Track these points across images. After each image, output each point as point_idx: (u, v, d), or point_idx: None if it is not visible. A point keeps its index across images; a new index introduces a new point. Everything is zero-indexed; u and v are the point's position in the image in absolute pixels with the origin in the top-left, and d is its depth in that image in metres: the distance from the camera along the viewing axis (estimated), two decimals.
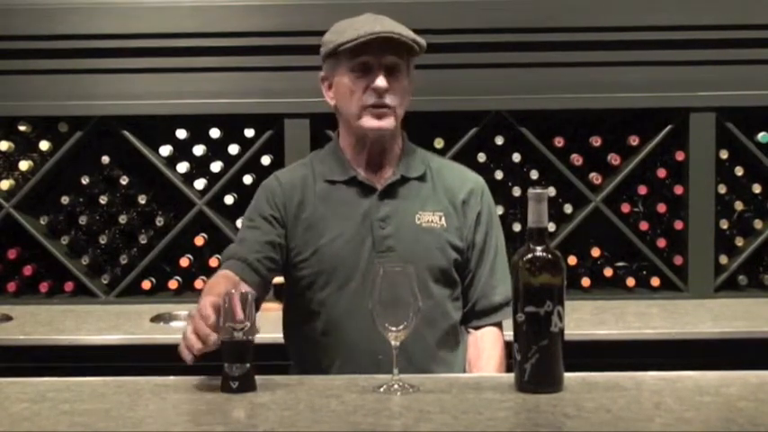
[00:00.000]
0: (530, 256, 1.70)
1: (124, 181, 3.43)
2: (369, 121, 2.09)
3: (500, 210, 3.24)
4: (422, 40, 2.11)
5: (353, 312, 2.08)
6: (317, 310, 2.11)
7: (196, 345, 1.74)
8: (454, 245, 2.14)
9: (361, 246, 2.11)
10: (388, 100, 2.08)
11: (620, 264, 3.48)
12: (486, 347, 2.15)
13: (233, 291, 1.77)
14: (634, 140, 3.36)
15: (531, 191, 1.72)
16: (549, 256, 1.70)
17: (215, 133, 3.37)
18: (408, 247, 2.10)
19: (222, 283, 1.99)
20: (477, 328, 2.19)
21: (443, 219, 2.14)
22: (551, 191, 3.34)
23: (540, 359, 1.69)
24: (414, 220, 2.13)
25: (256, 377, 1.78)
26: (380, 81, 2.05)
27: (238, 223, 3.35)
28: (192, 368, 1.96)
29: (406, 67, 2.11)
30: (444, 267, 2.13)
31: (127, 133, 3.39)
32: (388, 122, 2.09)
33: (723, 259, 3.40)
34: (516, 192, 3.30)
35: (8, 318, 3.15)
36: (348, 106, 2.11)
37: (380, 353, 2.02)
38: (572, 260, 3.37)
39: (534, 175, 3.36)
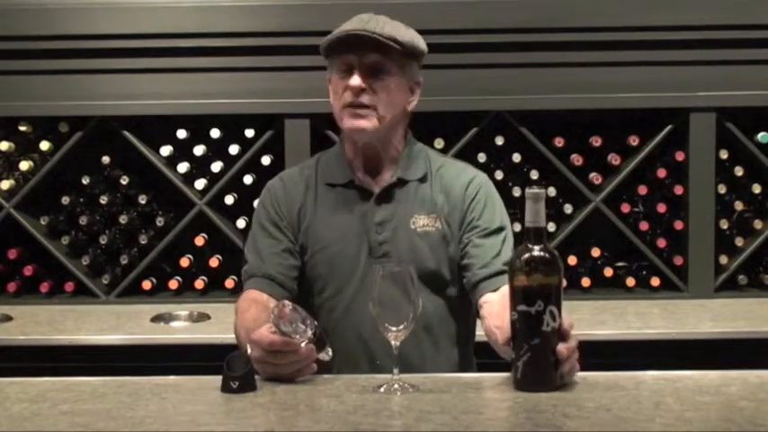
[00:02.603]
0: (526, 255, 1.70)
1: (124, 181, 3.43)
2: (347, 121, 2.06)
3: None
4: (408, 40, 2.06)
5: (351, 317, 2.08)
6: (314, 313, 2.09)
7: (310, 359, 1.79)
8: (450, 247, 2.11)
9: (358, 251, 2.10)
10: (366, 99, 2.03)
11: (620, 264, 3.48)
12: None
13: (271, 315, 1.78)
14: (634, 140, 3.36)
15: (528, 190, 1.72)
16: (547, 255, 1.70)
17: (215, 133, 3.38)
18: (404, 253, 2.08)
19: (253, 308, 2.00)
20: (491, 291, 2.05)
21: (438, 221, 2.11)
22: (551, 191, 3.34)
23: (532, 357, 1.70)
24: (408, 224, 2.10)
25: (256, 377, 1.78)
26: (354, 80, 2.02)
27: (238, 223, 3.35)
28: (191, 368, 1.97)
29: (398, 68, 2.06)
30: (440, 273, 2.10)
31: (127, 133, 3.39)
32: (367, 123, 2.04)
33: (723, 259, 3.40)
34: (516, 192, 3.30)
35: (8, 318, 3.15)
36: (334, 106, 2.10)
37: (378, 357, 2.03)
38: (572, 260, 3.37)
39: (534, 175, 3.36)
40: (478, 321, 2.22)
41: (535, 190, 1.71)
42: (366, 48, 2.03)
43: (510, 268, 1.72)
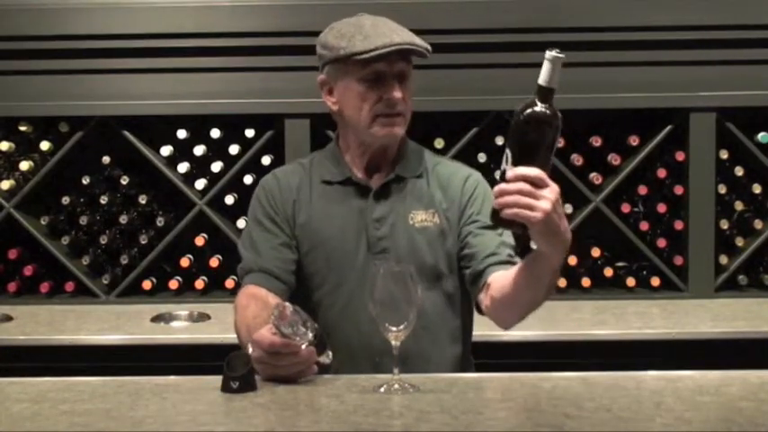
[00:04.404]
0: (528, 108, 1.72)
1: (125, 181, 3.43)
2: (381, 130, 2.07)
3: None
4: (427, 45, 2.10)
5: (350, 314, 2.07)
6: (313, 310, 2.09)
7: (310, 361, 1.80)
8: (448, 242, 2.12)
9: (356, 247, 2.10)
10: (400, 108, 2.07)
11: (620, 264, 3.48)
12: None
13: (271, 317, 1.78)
14: (634, 140, 3.36)
15: (548, 52, 1.72)
16: (544, 112, 1.72)
17: (215, 133, 3.38)
18: (402, 248, 2.09)
19: (252, 304, 2.00)
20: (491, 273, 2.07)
21: (437, 216, 2.12)
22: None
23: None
24: (407, 220, 2.12)
25: (256, 377, 1.78)
26: (397, 93, 2.04)
27: (239, 223, 3.35)
28: (191, 368, 1.97)
29: (411, 71, 2.10)
30: (438, 268, 2.11)
31: (127, 133, 3.39)
32: (400, 129, 2.09)
33: (723, 259, 3.40)
34: None
35: (8, 318, 3.15)
36: (357, 115, 2.08)
37: (378, 355, 2.02)
38: (572, 260, 3.36)
39: None
40: (476, 319, 2.23)
41: (555, 53, 1.71)
42: (397, 57, 2.04)
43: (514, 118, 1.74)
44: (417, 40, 2.06)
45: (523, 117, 1.72)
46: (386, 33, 2.03)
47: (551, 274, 1.86)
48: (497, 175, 3.20)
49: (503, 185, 1.70)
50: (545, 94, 1.73)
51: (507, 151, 1.72)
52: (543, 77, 1.73)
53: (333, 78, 2.11)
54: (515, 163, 1.70)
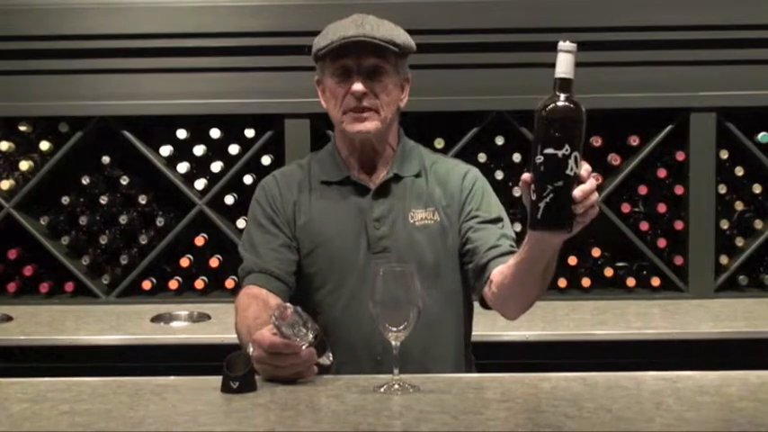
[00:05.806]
0: (558, 103, 1.69)
1: (124, 181, 3.43)
2: (350, 125, 2.08)
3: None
4: (403, 40, 2.09)
5: (351, 313, 2.08)
6: (314, 310, 2.10)
7: (310, 362, 1.80)
8: (449, 239, 2.13)
9: (356, 246, 2.11)
10: (368, 102, 2.07)
11: (621, 264, 3.48)
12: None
13: (270, 317, 1.78)
14: (634, 140, 3.36)
15: (561, 43, 1.71)
16: (572, 105, 1.70)
17: (215, 133, 3.38)
18: (403, 247, 2.09)
19: (253, 305, 2.00)
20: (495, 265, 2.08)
21: (436, 214, 2.13)
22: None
23: (554, 199, 1.69)
24: (407, 219, 2.12)
25: (256, 377, 1.78)
26: (357, 86, 2.05)
27: (238, 223, 3.35)
28: (191, 368, 1.97)
29: (393, 67, 2.09)
30: (439, 266, 2.11)
31: (127, 133, 3.39)
32: (370, 125, 2.08)
33: (723, 259, 3.40)
34: (516, 192, 3.29)
35: (8, 318, 3.15)
36: (332, 110, 2.12)
37: (379, 354, 2.03)
38: (572, 260, 3.37)
39: None
40: (476, 319, 2.23)
41: (568, 44, 1.71)
42: (364, 51, 2.05)
43: (538, 115, 1.71)
44: (381, 34, 2.05)
45: (583, 110, 1.69)
46: (348, 28, 2.05)
47: (556, 256, 1.88)
48: (498, 175, 3.24)
49: (586, 187, 1.69)
50: (566, 84, 1.71)
51: (575, 154, 1.68)
52: (560, 68, 1.71)
53: (320, 76, 2.15)
54: (579, 160, 1.69)
